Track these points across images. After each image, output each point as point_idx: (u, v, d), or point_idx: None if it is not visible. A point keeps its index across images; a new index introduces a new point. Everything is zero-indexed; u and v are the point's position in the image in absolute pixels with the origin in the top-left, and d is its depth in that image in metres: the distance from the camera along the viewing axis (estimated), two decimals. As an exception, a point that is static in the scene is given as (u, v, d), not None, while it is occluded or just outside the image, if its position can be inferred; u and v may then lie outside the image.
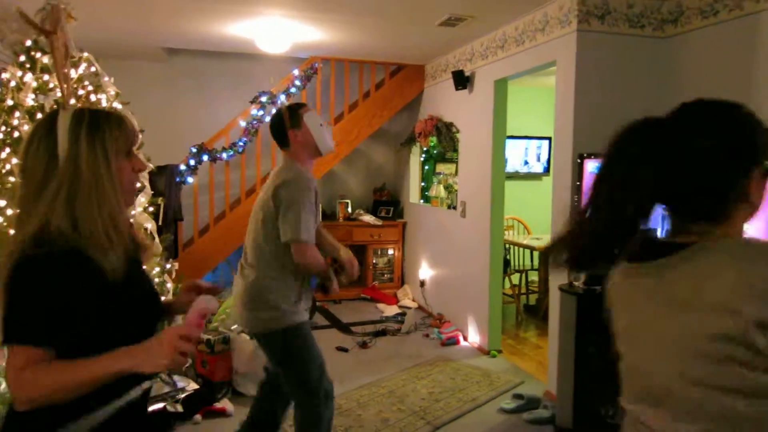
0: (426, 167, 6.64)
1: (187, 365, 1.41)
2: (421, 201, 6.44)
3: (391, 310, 5.91)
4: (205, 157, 5.48)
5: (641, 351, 1.09)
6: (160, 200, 3.77)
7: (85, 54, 3.14)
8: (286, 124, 2.55)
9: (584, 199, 2.90)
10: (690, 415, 0.97)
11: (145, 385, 1.32)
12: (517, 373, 4.37)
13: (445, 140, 5.51)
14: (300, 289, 2.53)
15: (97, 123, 1.27)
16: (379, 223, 6.41)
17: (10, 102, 2.90)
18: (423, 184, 6.55)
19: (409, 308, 5.99)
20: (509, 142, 6.59)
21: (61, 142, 1.23)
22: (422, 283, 6.11)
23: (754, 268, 0.92)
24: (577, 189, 3.55)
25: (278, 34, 4.79)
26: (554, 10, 3.81)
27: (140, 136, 1.90)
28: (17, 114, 2.85)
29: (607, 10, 3.65)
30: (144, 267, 1.50)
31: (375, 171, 6.87)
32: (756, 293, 0.90)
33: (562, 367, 3.40)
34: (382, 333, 5.26)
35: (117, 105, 3.20)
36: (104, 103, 3.10)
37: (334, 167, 6.43)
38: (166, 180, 5.36)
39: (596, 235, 1.07)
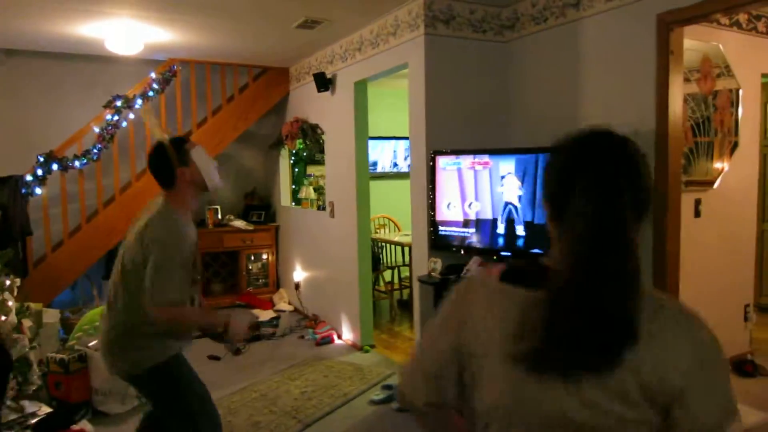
0: (296, 170, 6.65)
1: None
2: (293, 204, 6.45)
3: (266, 315, 5.85)
4: (55, 166, 5.10)
5: None
6: (-5, 213, 3.46)
7: None
8: (173, 162, 2.31)
9: (437, 194, 3.06)
10: None
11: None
12: (389, 365, 4.52)
13: (311, 142, 5.56)
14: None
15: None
16: (251, 228, 6.32)
17: None
18: (294, 186, 6.56)
19: (284, 312, 5.97)
20: (378, 143, 6.82)
21: None
22: (297, 286, 6.12)
23: None
24: (431, 186, 3.75)
25: (129, 36, 4.58)
26: (404, 15, 4.00)
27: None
28: None
29: (451, 15, 3.89)
30: None
31: (245, 175, 6.77)
32: None
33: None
34: (257, 338, 5.20)
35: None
36: None
37: (202, 173, 6.24)
38: (9, 192, 4.93)
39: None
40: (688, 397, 0.91)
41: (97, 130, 5.23)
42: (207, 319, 2.51)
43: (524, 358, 0.94)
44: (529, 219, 3.32)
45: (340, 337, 5.18)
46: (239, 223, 6.32)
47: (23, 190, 4.99)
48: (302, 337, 5.26)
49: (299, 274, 6.08)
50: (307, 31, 4.58)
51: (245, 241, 6.33)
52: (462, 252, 3.62)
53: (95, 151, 5.21)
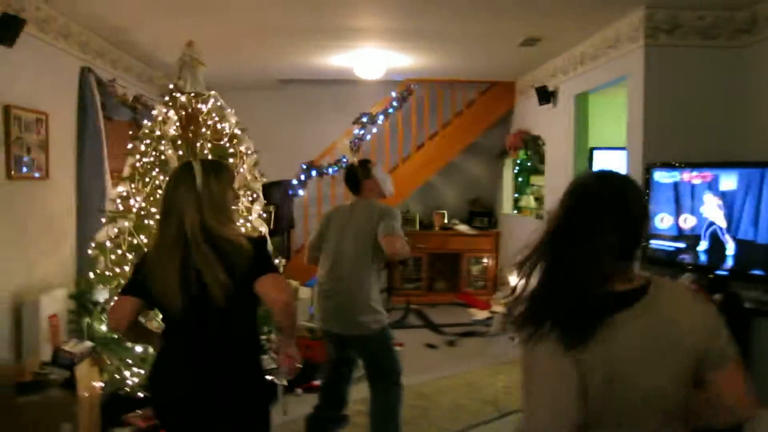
0: (520, 179, 6.89)
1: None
2: (515, 212, 6.71)
3: (482, 315, 6.22)
4: (314, 173, 6.19)
5: None
6: (271, 208, 4.43)
7: (212, 92, 3.88)
8: (359, 176, 3.21)
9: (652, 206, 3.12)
10: None
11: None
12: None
13: (532, 153, 5.78)
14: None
15: (218, 169, 1.96)
16: (473, 232, 6.77)
17: (158, 132, 3.71)
18: (516, 195, 6.82)
19: (499, 313, 6.26)
20: (603, 153, 6.70)
21: (198, 180, 1.87)
22: (513, 290, 6.36)
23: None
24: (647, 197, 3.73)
25: (374, 63, 5.38)
26: (624, 27, 4.02)
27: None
28: (163, 142, 3.64)
29: (676, 24, 3.81)
30: None
31: (471, 183, 7.23)
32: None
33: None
34: (470, 334, 5.61)
35: (236, 130, 3.91)
36: (227, 130, 3.82)
37: (432, 180, 6.90)
38: (280, 193, 6.14)
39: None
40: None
41: (346, 142, 6.19)
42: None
43: None
44: (746, 237, 3.13)
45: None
46: (463, 228, 6.81)
47: (290, 192, 6.17)
48: (513, 338, 5.50)
49: (515, 279, 6.32)
50: (529, 48, 4.84)
51: (467, 245, 6.79)
52: (674, 268, 3.53)
53: (344, 160, 6.17)
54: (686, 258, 3.47)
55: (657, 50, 3.79)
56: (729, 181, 3.25)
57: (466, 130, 6.39)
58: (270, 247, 4.08)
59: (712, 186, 3.33)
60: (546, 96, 5.26)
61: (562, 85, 5.15)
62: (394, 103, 6.22)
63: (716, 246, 3.28)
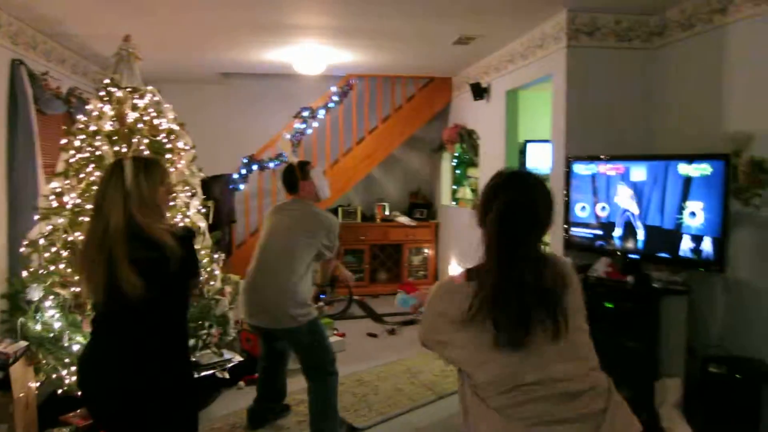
0: (458, 171, 7.12)
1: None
2: (453, 203, 6.94)
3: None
4: (255, 167, 6.22)
5: None
6: (209, 203, 4.45)
7: (150, 87, 3.87)
8: (297, 176, 3.35)
9: (571, 197, 3.36)
10: None
11: None
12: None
13: (467, 146, 6.00)
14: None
15: (148, 166, 2.00)
16: (413, 224, 6.96)
17: (93, 128, 3.67)
18: (454, 187, 7.04)
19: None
20: (536, 146, 7.01)
21: (127, 177, 1.92)
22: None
23: None
24: (567, 187, 3.99)
25: (313, 59, 5.45)
26: (549, 28, 4.26)
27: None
28: (98, 137, 3.61)
29: (595, 27, 4.07)
30: None
31: (411, 176, 7.42)
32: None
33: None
34: (411, 323, 5.80)
35: (174, 126, 3.92)
36: (164, 125, 3.82)
37: (373, 172, 7.04)
38: (221, 187, 6.14)
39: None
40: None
41: (287, 136, 6.24)
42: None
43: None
44: (654, 224, 3.42)
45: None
46: (403, 219, 6.99)
47: (231, 186, 6.17)
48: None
49: (455, 268, 6.56)
50: (463, 46, 5.04)
51: (408, 236, 6.98)
52: (592, 252, 3.81)
53: (284, 155, 6.22)
54: (603, 243, 3.74)
55: (578, 51, 4.04)
56: (639, 173, 3.53)
57: (405, 123, 6.55)
58: (209, 241, 4.13)
59: (625, 177, 3.61)
60: (480, 92, 5.48)
61: (494, 81, 5.38)
62: (335, 98, 6.31)
63: (629, 232, 3.56)
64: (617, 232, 3.64)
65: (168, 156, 3.80)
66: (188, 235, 2.00)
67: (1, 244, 3.94)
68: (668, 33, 3.98)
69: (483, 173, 5.76)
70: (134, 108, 3.75)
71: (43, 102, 4.28)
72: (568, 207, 3.97)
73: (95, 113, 3.69)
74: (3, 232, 3.97)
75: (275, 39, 4.86)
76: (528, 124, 5.53)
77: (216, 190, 6.10)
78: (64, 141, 3.64)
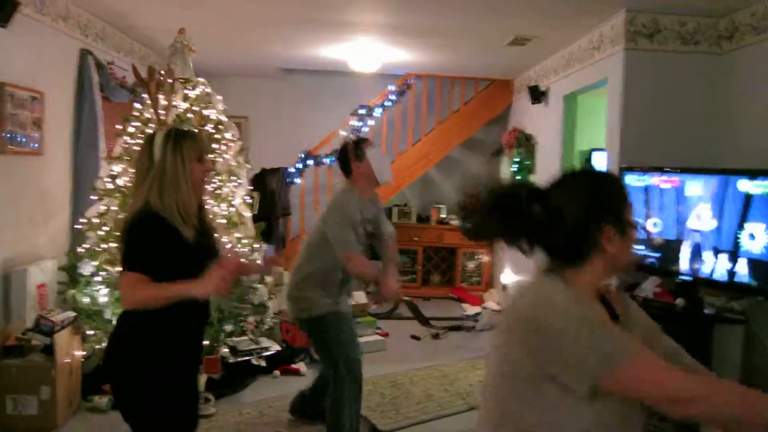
0: (518, 177, 6.93)
1: (225, 293, 2.08)
2: (509, 209, 6.75)
3: (473, 310, 6.31)
4: (311, 162, 6.32)
5: None
6: (255, 194, 4.56)
7: (201, 79, 4.03)
8: (350, 158, 2.96)
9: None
10: None
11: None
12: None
13: (524, 151, 5.83)
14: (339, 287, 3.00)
15: (177, 139, 1.95)
16: (468, 227, 6.82)
17: (147, 115, 3.87)
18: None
19: (489, 309, 6.33)
20: (599, 154, 6.72)
21: (155, 151, 1.92)
22: (504, 287, 6.44)
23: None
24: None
25: (368, 56, 5.47)
26: (607, 30, 4.06)
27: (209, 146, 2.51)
28: (151, 124, 3.80)
29: (656, 29, 3.83)
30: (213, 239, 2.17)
31: (470, 180, 7.29)
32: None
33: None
34: (458, 328, 5.70)
35: (222, 117, 4.06)
36: (213, 116, 3.96)
37: (431, 174, 6.99)
38: (278, 179, 6.29)
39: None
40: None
41: (344, 133, 6.30)
42: (369, 270, 3.04)
43: None
44: (714, 245, 3.16)
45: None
46: (458, 223, 6.87)
47: (287, 180, 6.31)
48: (496, 333, 5.58)
49: (507, 277, 6.39)
50: (520, 47, 4.89)
51: (463, 240, 6.84)
52: (640, 271, 3.58)
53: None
54: (653, 262, 3.52)
55: (636, 54, 3.83)
56: (695, 187, 3.29)
57: (462, 125, 6.46)
58: (252, 231, 4.22)
59: (679, 192, 3.37)
60: (538, 95, 5.32)
61: (553, 85, 5.20)
62: (392, 97, 6.31)
63: (694, 252, 3.29)
64: (674, 250, 3.39)
65: (215, 146, 3.95)
66: (132, 220, 1.93)
67: (66, 221, 4.21)
68: (739, 37, 3.68)
69: (538, 180, 5.55)
70: (185, 98, 3.92)
71: (109, 90, 4.54)
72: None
73: (149, 101, 3.89)
74: (67, 209, 4.24)
75: (329, 35, 4.91)
76: (592, 131, 5.29)
77: (272, 182, 6.26)
78: (119, 127, 3.85)
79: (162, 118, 3.65)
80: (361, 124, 6.30)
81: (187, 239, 1.92)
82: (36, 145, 3.77)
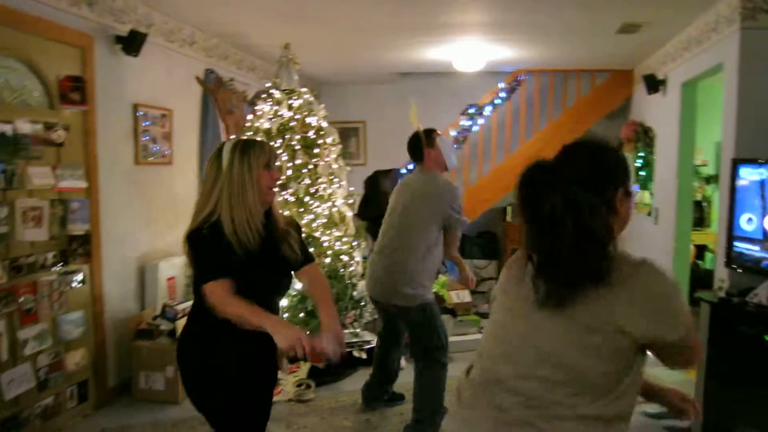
0: (643, 173, 6.50)
1: (287, 360, 2.04)
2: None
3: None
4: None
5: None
6: (355, 194, 4.77)
7: (303, 89, 4.32)
8: (422, 144, 3.24)
9: (736, 206, 2.95)
10: None
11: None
12: (687, 385, 4.24)
13: (643, 145, 5.46)
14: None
15: (245, 148, 2.02)
16: (586, 226, 6.53)
17: (257, 124, 4.25)
18: (637, 190, 6.44)
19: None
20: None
21: (223, 160, 2.00)
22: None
23: None
24: (730, 195, 3.44)
25: (473, 55, 5.46)
26: (723, 9, 3.70)
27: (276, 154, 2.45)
28: (260, 133, 4.17)
29: (781, 3, 3.43)
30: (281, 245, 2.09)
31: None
32: None
33: (698, 381, 3.37)
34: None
35: (324, 123, 4.32)
36: (314, 123, 4.24)
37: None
38: (390, 180, 6.49)
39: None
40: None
41: (453, 133, 6.34)
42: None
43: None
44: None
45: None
46: (575, 222, 6.60)
47: (399, 180, 6.48)
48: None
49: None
50: (631, 35, 4.61)
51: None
52: (758, 274, 3.23)
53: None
54: (772, 263, 3.16)
55: (755, 33, 3.45)
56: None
57: (577, 120, 6.18)
58: (352, 229, 4.42)
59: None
60: (654, 84, 4.96)
61: (670, 73, 4.82)
62: (502, 94, 6.22)
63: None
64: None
65: (316, 150, 4.22)
66: (193, 234, 1.96)
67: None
68: None
69: (659, 176, 5.19)
70: (289, 108, 4.23)
71: (232, 104, 5.03)
72: (731, 218, 3.43)
73: (259, 113, 4.27)
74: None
75: (434, 38, 4.98)
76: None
77: (386, 183, 6.45)
78: (233, 137, 4.26)
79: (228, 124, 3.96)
80: (470, 123, 6.29)
81: (246, 251, 1.92)
82: (165, 156, 4.30)
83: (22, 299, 2.92)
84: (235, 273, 1.88)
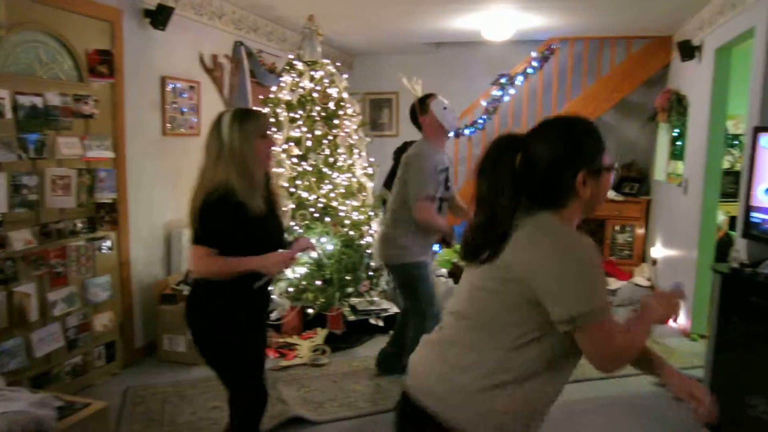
0: (679, 143, 6.28)
1: (282, 274, 2.34)
2: (666, 179, 6.17)
3: (616, 285, 5.96)
4: (451, 134, 6.41)
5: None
6: (375, 165, 4.84)
7: (326, 60, 4.39)
8: (417, 112, 3.30)
9: (755, 174, 2.91)
10: None
11: (265, 278, 2.25)
12: (702, 357, 4.18)
13: (676, 114, 5.28)
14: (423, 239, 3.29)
15: (243, 119, 2.17)
16: (620, 198, 6.41)
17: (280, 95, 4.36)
18: (672, 161, 6.24)
19: (634, 285, 5.92)
20: None
21: (223, 131, 2.16)
22: (654, 262, 5.96)
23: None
24: (750, 164, 3.33)
25: (503, 24, 5.37)
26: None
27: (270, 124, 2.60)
28: (282, 105, 4.28)
29: (817, -36, 3.25)
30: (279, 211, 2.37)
31: (627, 147, 6.77)
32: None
33: (708, 351, 3.34)
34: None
35: (345, 94, 4.39)
36: (335, 94, 4.31)
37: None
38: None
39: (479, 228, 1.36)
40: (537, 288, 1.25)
41: (484, 103, 6.29)
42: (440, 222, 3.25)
43: None
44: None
45: (675, 320, 4.95)
46: (609, 193, 6.47)
47: (428, 151, 6.49)
48: (635, 311, 5.23)
49: (658, 251, 5.90)
50: (666, -1, 4.43)
51: (613, 211, 6.47)
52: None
53: (481, 121, 6.30)
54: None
55: (786, -4, 3.28)
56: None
57: (612, 89, 6.01)
58: (371, 200, 4.51)
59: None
60: (689, 51, 4.76)
61: (706, 38, 4.61)
62: (534, 63, 6.10)
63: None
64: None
65: (335, 121, 4.30)
66: (206, 198, 2.09)
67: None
68: None
69: (691, 146, 5.02)
70: (311, 79, 4.32)
71: (260, 75, 5.15)
72: (750, 188, 3.32)
73: (282, 84, 4.37)
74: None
75: (461, 6, 4.86)
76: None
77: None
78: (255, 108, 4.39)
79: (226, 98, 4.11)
80: (501, 93, 6.22)
81: (256, 213, 2.11)
82: (194, 126, 4.47)
83: (52, 263, 3.15)
84: (250, 231, 2.12)
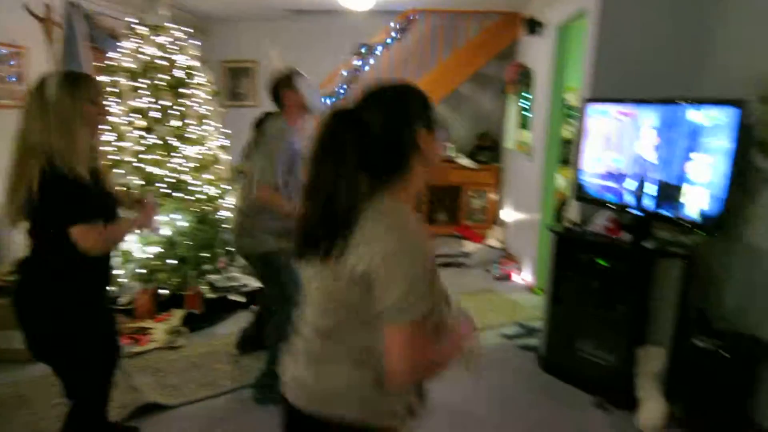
0: (529, 114, 6.72)
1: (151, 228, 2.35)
2: (515, 148, 6.60)
3: (471, 248, 6.32)
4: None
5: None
6: (230, 137, 4.68)
7: (172, 26, 4.10)
8: (280, 86, 2.99)
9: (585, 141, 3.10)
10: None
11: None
12: (537, 309, 4.58)
13: (523, 87, 5.63)
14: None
15: (73, 82, 2.02)
16: (475, 166, 6.75)
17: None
18: (522, 131, 6.67)
19: (486, 247, 6.32)
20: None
21: (49, 93, 1.98)
22: (503, 224, 6.39)
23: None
24: (581, 132, 3.64)
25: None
26: (585, -46, 3.79)
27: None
28: (121, 73, 3.95)
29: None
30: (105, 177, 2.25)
31: (480, 117, 7.12)
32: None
33: (546, 304, 3.65)
34: (451, 264, 5.76)
35: (194, 63, 4.15)
36: (183, 62, 4.06)
37: (441, 112, 6.86)
38: (281, 123, 6.39)
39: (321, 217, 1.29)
40: (374, 282, 1.23)
41: (344, 73, 6.27)
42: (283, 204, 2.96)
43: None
44: (662, 178, 3.04)
45: (520, 276, 5.38)
46: (464, 161, 6.80)
47: (291, 122, 6.39)
48: (488, 270, 5.61)
49: (508, 214, 6.33)
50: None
51: (468, 178, 6.81)
52: (600, 206, 3.49)
53: (341, 91, 6.28)
54: (611, 197, 3.41)
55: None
56: (650, 119, 3.13)
57: (466, 61, 6.26)
58: (227, 173, 4.36)
59: (636, 124, 3.22)
60: (533, 27, 5.07)
61: (551, 15, 4.93)
62: (394, 34, 6.18)
63: (640, 186, 3.20)
64: (629, 184, 3.28)
65: (187, 91, 4.06)
66: (49, 179, 1.94)
67: None
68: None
69: (534, 117, 5.39)
70: (159, 47, 4.02)
71: (100, 41, 4.71)
72: (579, 155, 3.65)
73: (123, 51, 4.03)
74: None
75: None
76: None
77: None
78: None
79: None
80: (361, 63, 6.24)
81: (88, 183, 2.01)
82: (18, 98, 3.99)
83: None
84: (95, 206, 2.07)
